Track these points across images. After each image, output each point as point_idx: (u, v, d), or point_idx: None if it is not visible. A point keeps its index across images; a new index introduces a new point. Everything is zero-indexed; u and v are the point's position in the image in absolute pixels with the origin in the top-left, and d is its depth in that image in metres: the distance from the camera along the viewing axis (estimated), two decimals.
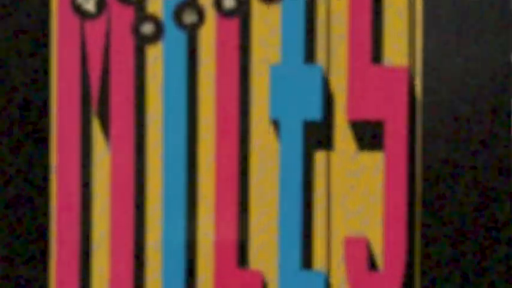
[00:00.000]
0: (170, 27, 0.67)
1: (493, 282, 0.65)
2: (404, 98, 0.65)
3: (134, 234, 0.67)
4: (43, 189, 0.67)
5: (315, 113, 0.66)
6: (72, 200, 0.67)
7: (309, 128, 0.66)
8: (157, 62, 0.67)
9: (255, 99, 0.66)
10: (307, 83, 0.66)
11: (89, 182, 0.67)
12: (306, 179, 0.65)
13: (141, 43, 0.67)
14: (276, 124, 0.66)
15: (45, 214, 0.67)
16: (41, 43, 0.67)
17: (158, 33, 0.67)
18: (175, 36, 0.67)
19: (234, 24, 0.66)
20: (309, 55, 0.66)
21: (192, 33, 0.67)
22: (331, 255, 0.65)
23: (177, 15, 0.66)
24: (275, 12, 0.66)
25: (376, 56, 0.65)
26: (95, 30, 0.67)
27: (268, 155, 0.66)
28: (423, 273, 0.65)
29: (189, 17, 0.67)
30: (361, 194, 0.65)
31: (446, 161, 0.65)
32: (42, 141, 0.68)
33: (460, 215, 0.65)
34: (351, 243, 0.65)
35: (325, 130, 0.65)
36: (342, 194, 0.65)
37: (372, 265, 0.65)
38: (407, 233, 0.65)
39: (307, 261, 0.66)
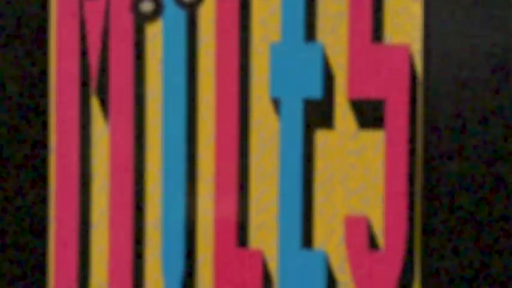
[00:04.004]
0: (170, 5, 0.66)
1: (493, 260, 0.64)
2: (405, 77, 0.65)
3: (133, 213, 0.67)
4: (42, 168, 0.67)
5: (315, 92, 0.65)
6: (72, 179, 0.67)
7: (309, 106, 0.65)
8: (157, 40, 0.66)
9: (255, 78, 0.66)
10: (307, 61, 0.65)
11: (88, 161, 0.67)
12: (306, 158, 0.65)
13: (141, 21, 0.67)
14: (276, 102, 0.66)
15: (45, 193, 0.67)
16: (41, 22, 0.67)
17: (157, 11, 0.66)
18: (174, 14, 0.66)
19: (234, 2, 0.66)
20: (309, 33, 0.65)
21: (191, 11, 0.66)
22: (331, 234, 0.65)
23: None
24: None
25: (377, 34, 0.65)
26: (94, 9, 0.67)
27: (269, 134, 0.66)
28: (423, 251, 0.64)
29: None
30: (362, 173, 0.65)
31: (447, 139, 0.65)
32: (42, 120, 0.67)
33: (461, 193, 0.64)
34: (351, 222, 0.65)
35: (325, 108, 0.65)
36: (342, 172, 0.65)
37: (373, 244, 0.65)
38: (408, 211, 0.65)
39: (307, 240, 0.65)
